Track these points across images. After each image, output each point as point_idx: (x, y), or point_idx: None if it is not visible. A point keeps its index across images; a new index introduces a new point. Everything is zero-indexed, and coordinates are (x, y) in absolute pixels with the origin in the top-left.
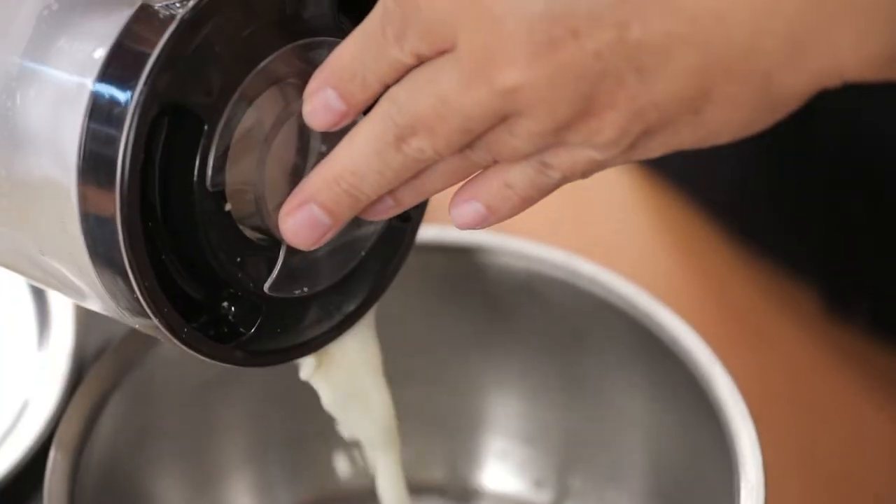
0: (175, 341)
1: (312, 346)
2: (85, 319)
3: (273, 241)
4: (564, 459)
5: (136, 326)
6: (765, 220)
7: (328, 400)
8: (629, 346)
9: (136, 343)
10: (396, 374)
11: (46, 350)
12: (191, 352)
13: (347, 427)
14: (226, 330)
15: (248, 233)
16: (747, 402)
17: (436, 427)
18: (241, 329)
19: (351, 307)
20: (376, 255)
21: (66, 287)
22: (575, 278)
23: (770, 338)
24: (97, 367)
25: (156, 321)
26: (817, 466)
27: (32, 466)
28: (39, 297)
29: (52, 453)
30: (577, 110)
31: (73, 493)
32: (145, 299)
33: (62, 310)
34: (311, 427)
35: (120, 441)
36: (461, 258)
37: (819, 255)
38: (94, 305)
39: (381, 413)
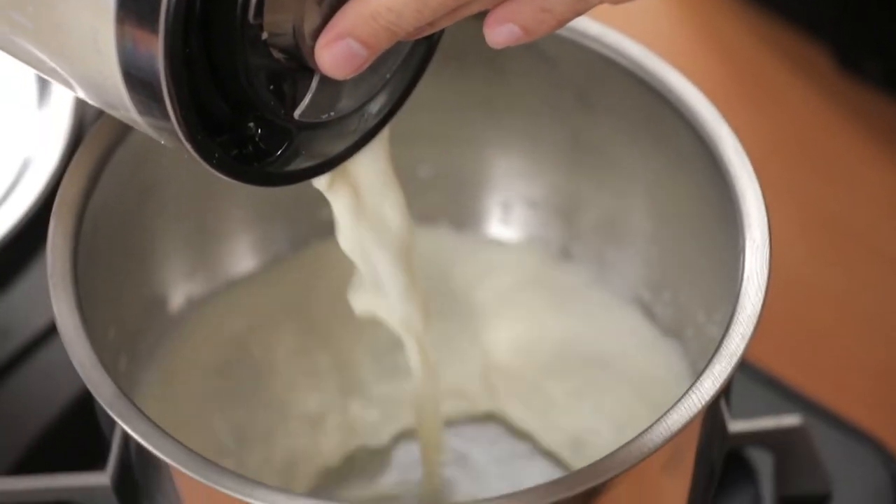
0: (204, 164)
1: (332, 163)
2: None
3: (306, 68)
4: (568, 220)
5: (162, 142)
6: None
7: (346, 220)
8: (635, 106)
9: None
10: (400, 133)
11: (47, 108)
12: (215, 173)
13: (366, 251)
14: (250, 150)
15: (282, 59)
16: (756, 160)
17: (439, 187)
18: (267, 151)
19: (371, 124)
20: (398, 73)
21: (89, 96)
22: (581, 38)
23: (780, 96)
24: (99, 124)
25: (188, 146)
26: (822, 222)
27: (34, 226)
28: None
29: (53, 212)
30: None
31: (76, 252)
32: (180, 127)
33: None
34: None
35: (122, 201)
36: (467, 17)
37: (833, 14)
38: (112, 112)
39: (398, 224)
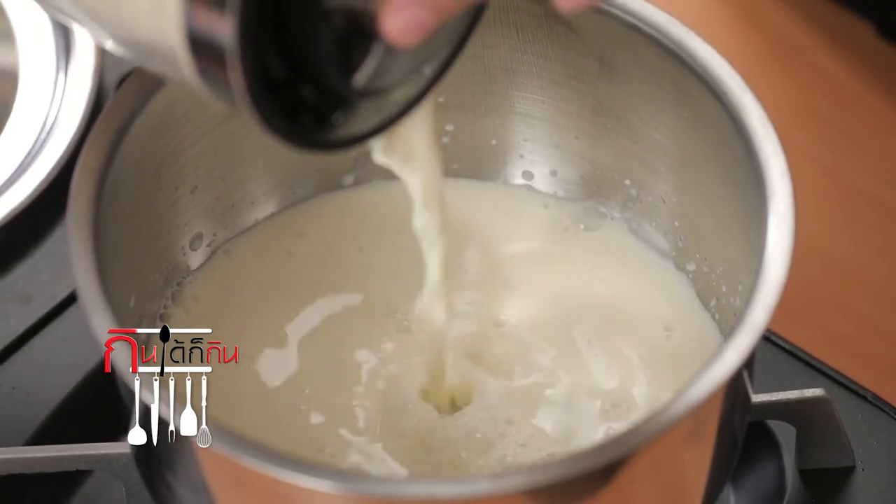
0: (262, 129)
1: (380, 129)
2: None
3: (367, 37)
4: (591, 190)
5: (216, 105)
6: None
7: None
8: (658, 75)
9: None
10: None
11: (68, 76)
12: (273, 136)
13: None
14: (305, 117)
15: (346, 26)
16: (787, 130)
17: (460, 155)
18: (322, 117)
19: (418, 90)
20: (446, 42)
21: (132, 53)
22: (604, 5)
23: (814, 66)
24: (120, 93)
25: (249, 111)
26: (852, 194)
27: (55, 193)
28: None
29: (74, 180)
30: None
31: (97, 220)
32: (245, 92)
33: (84, 36)
34: (337, 158)
35: (142, 169)
36: None
37: None
38: (154, 66)
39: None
